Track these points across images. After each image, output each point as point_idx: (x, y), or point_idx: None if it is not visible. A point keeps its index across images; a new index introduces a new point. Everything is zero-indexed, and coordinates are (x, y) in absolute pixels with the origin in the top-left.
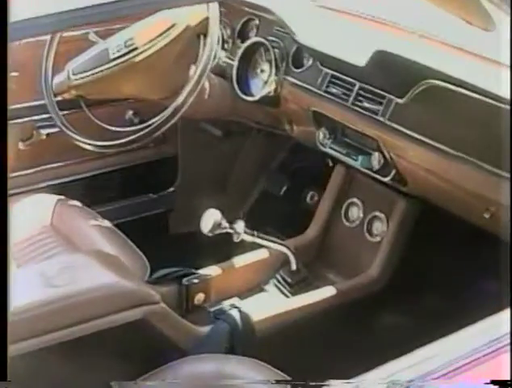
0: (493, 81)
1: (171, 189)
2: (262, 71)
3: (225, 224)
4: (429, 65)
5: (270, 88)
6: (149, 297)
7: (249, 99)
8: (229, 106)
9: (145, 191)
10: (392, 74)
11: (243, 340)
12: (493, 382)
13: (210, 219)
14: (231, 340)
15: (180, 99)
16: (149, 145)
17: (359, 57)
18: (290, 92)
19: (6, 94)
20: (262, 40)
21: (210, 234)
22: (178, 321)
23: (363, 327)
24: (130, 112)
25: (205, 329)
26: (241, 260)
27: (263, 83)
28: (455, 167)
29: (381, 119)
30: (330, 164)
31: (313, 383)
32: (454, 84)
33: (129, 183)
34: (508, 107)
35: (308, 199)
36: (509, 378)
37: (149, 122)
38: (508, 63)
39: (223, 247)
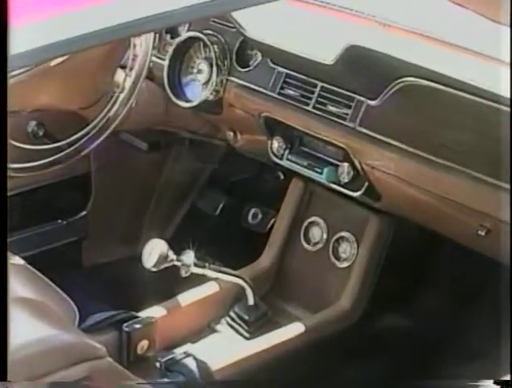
0: (481, 77)
1: (83, 213)
2: (199, 71)
3: (172, 256)
4: (406, 60)
5: (210, 91)
6: (94, 351)
7: (185, 105)
8: (160, 114)
9: (52, 218)
10: (362, 72)
11: None
12: (495, 382)
13: (154, 251)
14: None
15: (113, 109)
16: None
17: (326, 53)
18: (235, 96)
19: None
20: (198, 34)
21: (154, 270)
22: (127, 377)
23: (337, 369)
24: (33, 123)
25: (159, 385)
26: (187, 297)
27: (202, 86)
28: (439, 178)
29: (350, 124)
30: (281, 177)
31: None
32: (436, 81)
33: (33, 209)
34: (505, 107)
35: (249, 218)
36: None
37: (73, 137)
38: (506, 59)
39: (164, 282)
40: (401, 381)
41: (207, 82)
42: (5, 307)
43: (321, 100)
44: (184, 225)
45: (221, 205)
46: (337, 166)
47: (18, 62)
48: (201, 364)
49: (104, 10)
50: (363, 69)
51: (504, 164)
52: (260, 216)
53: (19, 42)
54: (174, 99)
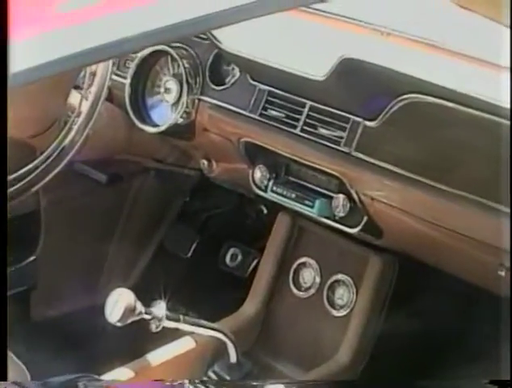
0: (492, 91)
1: (31, 258)
2: (167, 91)
3: (141, 308)
4: (409, 74)
5: (180, 114)
6: None
7: (151, 129)
8: (122, 141)
9: None
10: (358, 88)
11: None
12: (493, 382)
13: (120, 303)
14: None
15: (68, 137)
16: None
17: (315, 68)
18: (209, 118)
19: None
20: (165, 46)
21: (119, 324)
22: None
23: None
24: None
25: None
26: (158, 356)
27: (170, 107)
28: (450, 209)
29: (345, 149)
30: (265, 211)
31: None
32: (444, 98)
33: None
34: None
35: (227, 259)
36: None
37: (22, 170)
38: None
39: (131, 339)
40: None
41: (176, 103)
42: (5, 307)
43: (311, 122)
44: (151, 269)
45: (194, 245)
46: (331, 197)
47: (19, 80)
48: None
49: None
50: (359, 86)
51: None
52: (240, 257)
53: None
54: (137, 123)
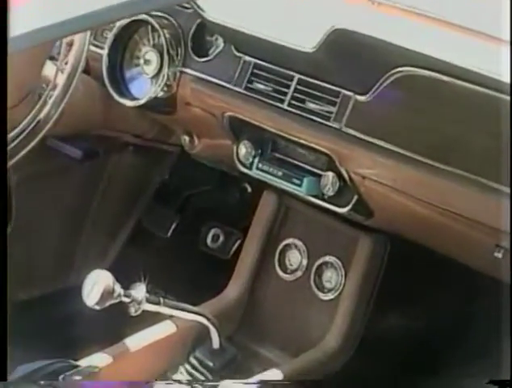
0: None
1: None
2: (146, 62)
3: (120, 290)
4: (403, 46)
5: (160, 87)
6: None
7: (130, 103)
8: (99, 115)
9: None
10: (349, 61)
11: None
12: (493, 382)
13: (97, 285)
14: None
15: (43, 110)
16: None
17: (304, 39)
18: (192, 91)
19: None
20: (145, 16)
21: (97, 308)
22: None
23: None
24: None
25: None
26: (137, 340)
27: (150, 80)
28: (444, 188)
29: (335, 125)
30: (249, 190)
31: None
32: (439, 71)
33: None
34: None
35: (209, 240)
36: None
37: None
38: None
39: (109, 323)
40: None
41: (156, 76)
42: (5, 307)
43: (299, 96)
44: (128, 250)
45: (174, 225)
46: (320, 176)
47: (19, 44)
48: None
49: None
50: (350, 58)
51: None
52: (222, 238)
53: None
54: (115, 96)
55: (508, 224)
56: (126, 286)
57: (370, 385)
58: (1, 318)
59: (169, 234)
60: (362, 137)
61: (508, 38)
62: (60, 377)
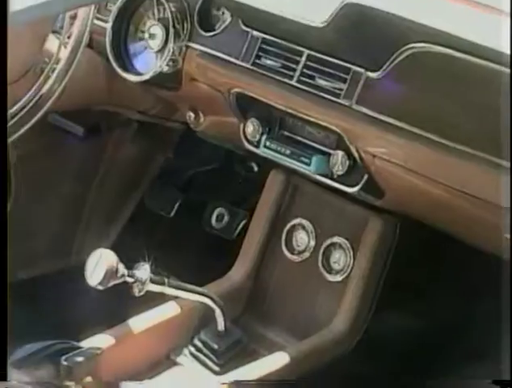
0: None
1: None
2: (151, 37)
3: (123, 270)
4: (416, 21)
5: (165, 62)
6: None
7: (134, 78)
8: (102, 90)
9: None
10: (360, 36)
11: None
12: (494, 382)
13: (101, 264)
14: None
15: (46, 85)
16: None
17: (314, 13)
18: (198, 67)
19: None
20: None
21: (100, 288)
22: None
23: None
24: None
25: None
26: (140, 322)
27: (155, 55)
28: (457, 167)
29: (345, 102)
30: (255, 169)
31: None
32: (453, 48)
33: None
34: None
35: (213, 220)
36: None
37: None
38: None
39: (112, 303)
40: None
41: (161, 50)
42: (5, 307)
43: (308, 72)
44: (130, 230)
45: (177, 204)
46: (329, 154)
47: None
48: None
49: None
50: (362, 33)
51: None
52: (226, 218)
53: None
54: (119, 71)
55: None
56: (128, 266)
57: (378, 369)
58: (1, 319)
59: (172, 213)
60: (373, 114)
61: None
62: (62, 358)
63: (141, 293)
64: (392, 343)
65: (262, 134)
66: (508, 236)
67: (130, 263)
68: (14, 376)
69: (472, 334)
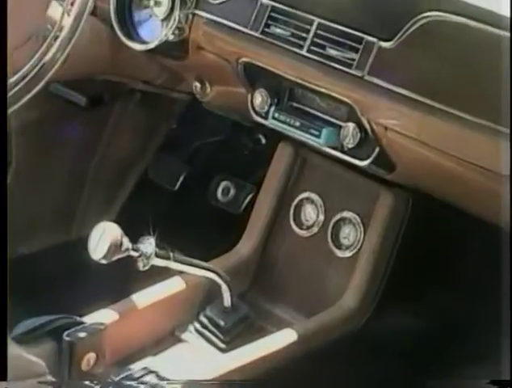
0: None
1: None
2: (157, 4)
3: (128, 244)
4: None
5: (171, 30)
6: (29, 367)
7: (139, 47)
8: (105, 59)
9: None
10: (373, 5)
11: None
12: (493, 382)
13: (104, 238)
14: None
15: (49, 53)
16: None
17: None
18: (205, 35)
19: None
20: None
21: (104, 262)
22: None
23: (338, 385)
24: None
25: None
26: (145, 297)
27: (160, 23)
28: (473, 141)
29: (357, 72)
30: (263, 141)
31: None
32: (468, 17)
33: None
34: None
35: (219, 194)
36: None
37: None
38: None
39: (115, 278)
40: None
41: (167, 18)
42: (5, 307)
43: (319, 41)
44: (133, 203)
45: (182, 177)
46: (340, 126)
47: None
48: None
49: None
50: (375, 1)
51: None
52: (232, 191)
53: None
54: (123, 39)
55: None
56: (133, 240)
57: (387, 347)
58: (1, 318)
59: (176, 186)
60: (385, 85)
61: None
62: (64, 334)
63: (146, 268)
64: (403, 321)
65: (270, 105)
66: None
67: (132, 236)
68: (15, 351)
69: (474, 329)
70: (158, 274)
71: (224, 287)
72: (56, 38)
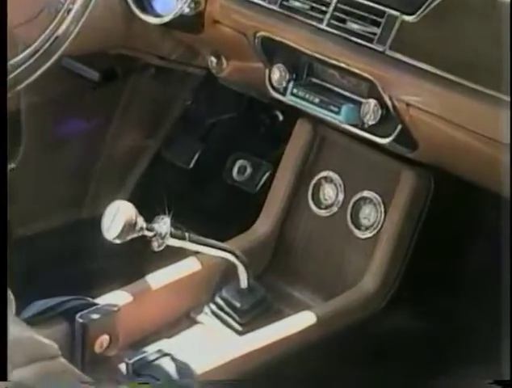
0: None
1: (10, 167)
2: None
3: (142, 224)
4: None
5: (187, 3)
6: (42, 350)
7: (154, 20)
8: (119, 33)
9: None
10: None
11: None
12: (494, 382)
13: (118, 218)
14: None
15: (61, 27)
16: None
17: None
18: (221, 8)
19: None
20: None
21: (117, 242)
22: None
23: (359, 370)
24: None
25: None
26: (159, 278)
27: None
28: (497, 117)
29: (378, 47)
30: (280, 118)
31: None
32: None
33: None
34: None
35: (234, 172)
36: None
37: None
38: None
39: (129, 258)
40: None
41: None
42: (5, 307)
43: (339, 15)
44: (147, 182)
45: (197, 155)
46: (360, 103)
47: None
48: (181, 367)
49: None
50: None
51: None
52: (249, 170)
53: None
54: (138, 12)
55: None
56: (147, 219)
57: (407, 330)
58: (1, 318)
59: (191, 164)
60: (408, 60)
61: None
62: (77, 316)
63: (161, 248)
64: (423, 305)
65: (288, 81)
66: None
67: (146, 216)
68: (26, 333)
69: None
70: (173, 254)
71: (241, 268)
72: (68, 11)
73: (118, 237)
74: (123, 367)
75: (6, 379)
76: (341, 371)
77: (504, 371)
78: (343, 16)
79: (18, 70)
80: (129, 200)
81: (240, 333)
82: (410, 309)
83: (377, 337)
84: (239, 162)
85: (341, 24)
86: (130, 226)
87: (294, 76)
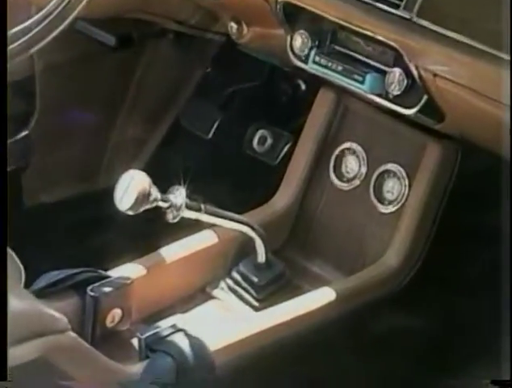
0: None
1: (23, 133)
2: None
3: (157, 194)
4: None
5: None
6: (51, 323)
7: None
8: None
9: None
10: None
11: (198, 382)
12: (494, 382)
13: (132, 188)
14: (179, 383)
15: None
16: None
17: None
18: None
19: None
20: None
21: (131, 213)
22: (95, 357)
23: (380, 349)
24: None
25: (137, 367)
26: (174, 251)
27: None
28: None
29: (405, 14)
30: (303, 87)
31: None
32: None
33: None
34: None
35: (255, 143)
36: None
37: (18, 28)
38: None
39: (143, 230)
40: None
41: None
42: (5, 306)
43: None
44: (164, 151)
45: (216, 124)
46: (385, 72)
47: None
48: (195, 343)
49: None
50: None
51: None
52: (269, 140)
53: None
54: None
55: None
56: (162, 190)
57: (429, 309)
58: (1, 318)
59: (210, 134)
60: (435, 28)
61: None
62: (88, 288)
63: (176, 220)
64: (449, 282)
65: (311, 48)
66: None
67: (163, 186)
68: (35, 306)
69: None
70: (189, 227)
71: (259, 242)
72: None
73: (131, 208)
74: (135, 342)
75: (6, 379)
76: (357, 350)
77: (503, 371)
78: None
79: (31, 33)
80: (145, 170)
81: (256, 309)
82: (433, 289)
83: (397, 315)
84: (259, 133)
85: None
86: (144, 197)
87: (316, 43)
